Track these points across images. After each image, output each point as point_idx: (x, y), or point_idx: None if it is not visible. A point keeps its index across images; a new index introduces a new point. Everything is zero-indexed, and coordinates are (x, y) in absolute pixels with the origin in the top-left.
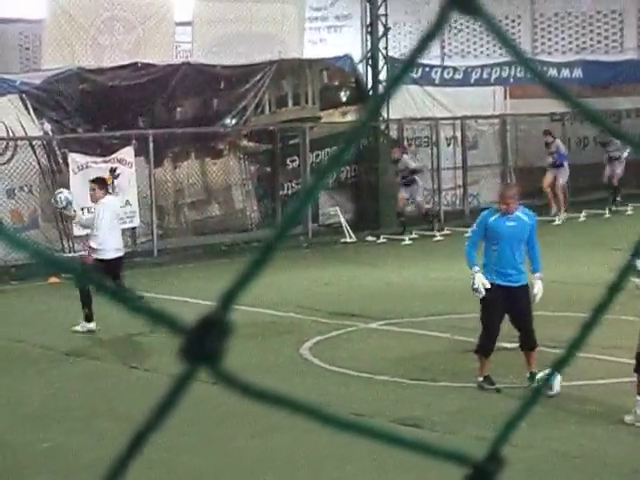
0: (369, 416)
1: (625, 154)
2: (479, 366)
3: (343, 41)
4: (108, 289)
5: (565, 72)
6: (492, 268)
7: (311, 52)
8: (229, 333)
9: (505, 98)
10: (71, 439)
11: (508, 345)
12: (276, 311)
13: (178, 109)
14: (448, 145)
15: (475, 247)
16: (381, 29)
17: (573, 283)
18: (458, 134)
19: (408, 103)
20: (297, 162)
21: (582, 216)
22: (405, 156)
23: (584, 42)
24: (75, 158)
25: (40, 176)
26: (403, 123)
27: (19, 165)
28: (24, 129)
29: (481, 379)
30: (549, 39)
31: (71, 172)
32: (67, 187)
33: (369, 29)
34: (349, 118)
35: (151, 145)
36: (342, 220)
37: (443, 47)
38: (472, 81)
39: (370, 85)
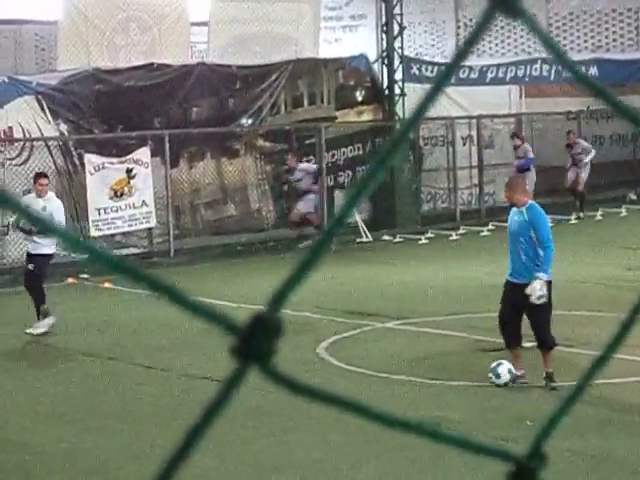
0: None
1: (590, 157)
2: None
3: (358, 41)
4: (165, 288)
5: (581, 70)
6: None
7: (326, 52)
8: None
9: (521, 97)
10: (88, 439)
11: (528, 344)
12: (292, 310)
13: (194, 109)
14: (464, 144)
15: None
16: (396, 28)
17: (587, 282)
18: (474, 133)
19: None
20: (313, 162)
21: (599, 215)
22: (302, 165)
23: (599, 40)
24: (91, 159)
25: (56, 177)
26: (419, 122)
27: (35, 166)
28: (40, 130)
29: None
30: (564, 38)
31: (87, 173)
32: (84, 188)
33: (384, 28)
34: (365, 118)
35: (167, 145)
36: (358, 220)
37: (459, 46)
38: (488, 80)
39: (385, 84)
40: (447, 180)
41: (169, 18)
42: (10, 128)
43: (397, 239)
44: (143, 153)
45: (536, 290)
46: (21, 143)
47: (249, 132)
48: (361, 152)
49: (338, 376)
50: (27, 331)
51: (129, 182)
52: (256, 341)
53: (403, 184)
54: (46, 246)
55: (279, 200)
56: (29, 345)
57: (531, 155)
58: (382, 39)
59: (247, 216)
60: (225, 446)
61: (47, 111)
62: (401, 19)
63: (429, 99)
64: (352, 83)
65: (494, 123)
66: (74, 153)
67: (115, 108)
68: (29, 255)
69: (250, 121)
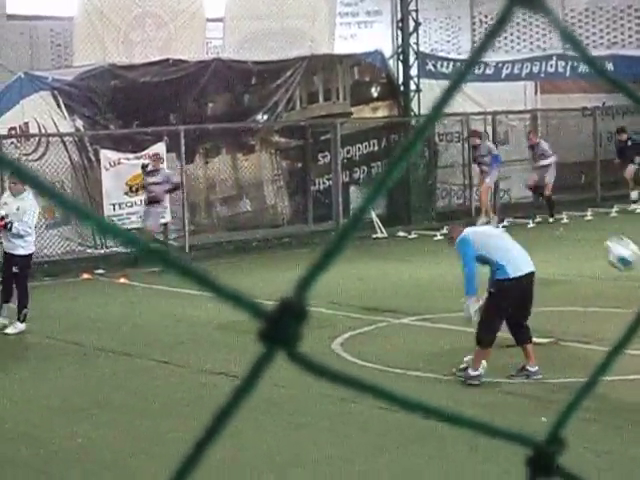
0: (399, 410)
1: (549, 161)
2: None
3: (374, 37)
4: (196, 272)
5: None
6: None
7: (342, 48)
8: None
9: (536, 93)
10: (103, 434)
11: (541, 340)
12: (307, 306)
13: (209, 105)
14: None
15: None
16: (412, 24)
17: (603, 278)
18: (489, 129)
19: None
20: (328, 157)
21: (614, 212)
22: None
23: (615, 37)
24: (107, 154)
25: (72, 172)
26: (436, 119)
27: (51, 161)
28: (56, 125)
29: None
30: (580, 34)
31: (103, 168)
32: (99, 183)
33: (400, 24)
34: (380, 114)
35: (182, 141)
36: (373, 216)
37: (474, 42)
38: (503, 76)
39: (401, 81)
40: (462, 176)
41: (185, 14)
42: (26, 124)
43: (412, 235)
44: (159, 149)
45: (465, 312)
46: (37, 139)
47: (264, 128)
48: (376, 148)
49: (353, 372)
50: (6, 331)
51: (144, 178)
52: (283, 326)
53: (418, 180)
54: (22, 247)
55: (294, 196)
56: (44, 340)
57: (495, 152)
58: (397, 35)
59: (262, 212)
60: (239, 439)
61: (63, 107)
62: (416, 15)
63: (448, 96)
64: (367, 79)
65: (509, 119)
66: (89, 149)
67: (131, 104)
68: (11, 255)
69: (265, 117)
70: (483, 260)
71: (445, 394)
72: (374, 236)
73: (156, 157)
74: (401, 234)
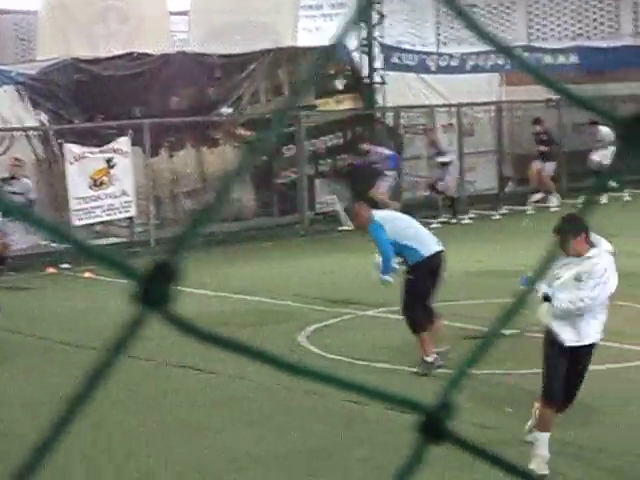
0: (366, 404)
1: (447, 159)
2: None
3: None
4: (68, 237)
5: (561, 58)
6: None
7: (306, 40)
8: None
9: (501, 85)
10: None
11: (505, 332)
12: (273, 299)
13: (174, 98)
14: (444, 132)
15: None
16: (376, 17)
17: None
18: (454, 121)
19: (404, 91)
20: (293, 150)
21: (579, 203)
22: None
23: (580, 28)
24: (71, 148)
25: (37, 167)
26: (399, 111)
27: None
28: (20, 120)
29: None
30: (544, 25)
31: (67, 162)
32: (64, 178)
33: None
34: (345, 106)
35: (147, 135)
36: (339, 208)
37: (439, 34)
38: (468, 68)
39: (366, 73)
40: (428, 168)
41: (149, 7)
42: None
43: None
44: (123, 142)
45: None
46: (1, 133)
47: (229, 121)
48: (341, 141)
49: (319, 364)
50: None
51: (109, 171)
52: (155, 287)
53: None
54: None
55: (259, 189)
56: (8, 335)
57: (387, 152)
58: (362, 28)
59: (227, 205)
60: (201, 434)
61: (27, 101)
62: (381, 8)
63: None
64: (332, 72)
65: (474, 111)
66: (54, 143)
67: (95, 98)
68: None
69: (230, 110)
70: (395, 247)
71: (411, 386)
72: (340, 228)
73: (16, 162)
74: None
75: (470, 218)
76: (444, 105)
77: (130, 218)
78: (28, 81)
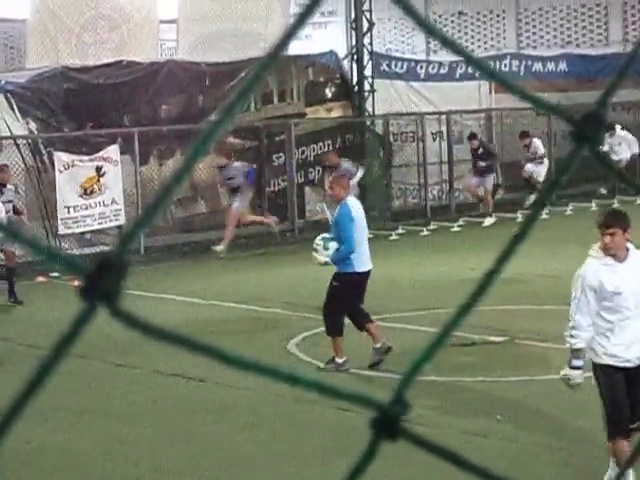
0: (355, 411)
1: (358, 175)
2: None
3: (329, 37)
4: (18, 235)
5: (550, 66)
6: None
7: (296, 48)
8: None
9: (490, 92)
10: (58, 437)
11: (496, 339)
12: (263, 307)
13: (163, 107)
14: (434, 140)
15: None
16: (366, 25)
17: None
18: (444, 129)
19: (393, 98)
20: (283, 158)
21: (569, 210)
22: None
23: (569, 36)
24: (61, 157)
25: (26, 175)
26: (388, 118)
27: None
28: (9, 128)
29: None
30: (534, 33)
31: (57, 171)
32: (54, 186)
33: (354, 25)
34: (334, 114)
35: (136, 143)
36: (328, 216)
37: (428, 42)
38: (457, 76)
39: (355, 81)
40: (417, 176)
41: (138, 16)
42: None
43: (368, 235)
44: (112, 151)
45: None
46: None
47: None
48: (331, 149)
49: (308, 372)
50: None
51: (98, 180)
52: (103, 281)
53: (373, 180)
54: None
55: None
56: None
57: (246, 167)
58: (352, 35)
59: (217, 213)
60: (191, 441)
61: (16, 109)
62: (370, 15)
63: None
64: (322, 80)
65: (464, 119)
66: (43, 151)
67: (84, 106)
68: None
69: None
70: (337, 241)
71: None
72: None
73: (2, 169)
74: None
75: (459, 226)
76: (434, 113)
77: (120, 226)
78: (17, 89)
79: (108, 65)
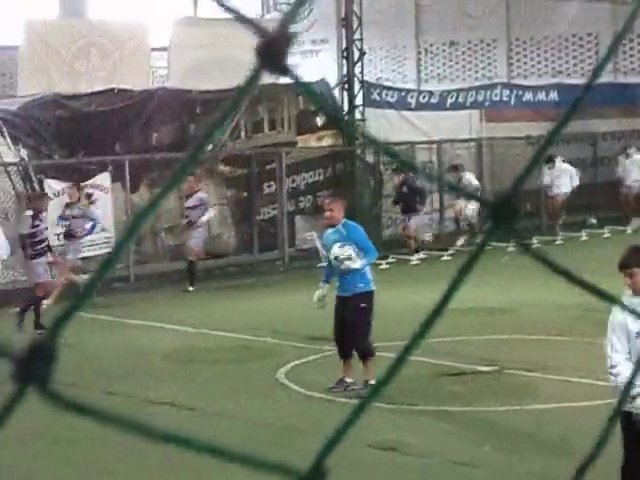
0: (344, 440)
1: (207, 216)
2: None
3: (320, 65)
4: None
5: (541, 95)
6: None
7: (287, 78)
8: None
9: (481, 121)
10: (43, 465)
11: (485, 369)
12: (252, 336)
13: (155, 134)
14: (424, 169)
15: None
16: (357, 54)
17: (547, 307)
18: (434, 158)
19: (384, 127)
20: (274, 187)
21: (559, 239)
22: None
23: (560, 65)
24: (51, 184)
25: (16, 202)
26: (379, 147)
27: None
28: (0, 155)
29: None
30: (525, 62)
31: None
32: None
33: (345, 54)
34: (325, 143)
35: (127, 171)
36: (318, 245)
37: (419, 71)
38: (448, 105)
39: (346, 110)
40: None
41: (130, 43)
42: None
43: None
44: (103, 178)
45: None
46: None
47: (209, 157)
48: (322, 177)
49: (298, 401)
50: None
51: (89, 207)
52: (35, 365)
53: (363, 209)
54: None
55: (240, 225)
56: None
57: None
58: (343, 64)
59: (208, 241)
60: (180, 470)
61: (7, 136)
62: (361, 44)
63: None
64: (313, 108)
65: (455, 148)
66: (34, 178)
67: (76, 133)
68: None
69: (210, 146)
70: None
71: (390, 423)
72: (319, 265)
73: (76, 187)
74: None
75: (450, 255)
76: (425, 142)
77: (109, 254)
78: (8, 117)
79: (100, 93)
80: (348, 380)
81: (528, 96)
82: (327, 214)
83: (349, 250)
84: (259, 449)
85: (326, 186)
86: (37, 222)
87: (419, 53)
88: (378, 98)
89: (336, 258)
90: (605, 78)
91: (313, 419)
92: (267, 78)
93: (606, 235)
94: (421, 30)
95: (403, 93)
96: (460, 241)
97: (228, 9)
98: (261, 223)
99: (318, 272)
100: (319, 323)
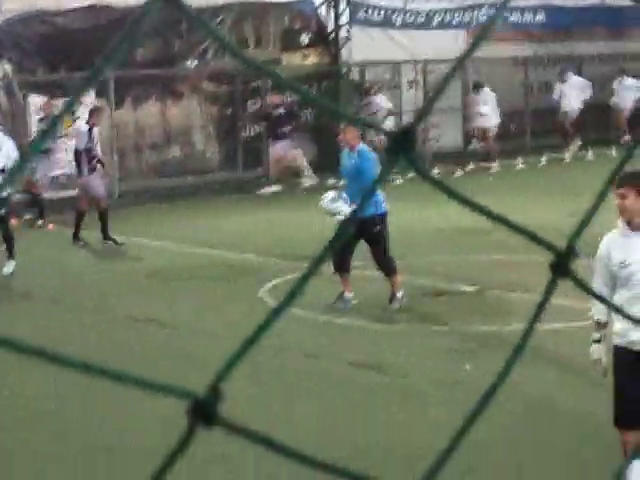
0: (324, 358)
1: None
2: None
3: None
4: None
5: (528, 16)
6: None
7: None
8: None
9: (467, 42)
10: (32, 384)
11: (466, 288)
12: (235, 253)
13: (139, 50)
14: (409, 88)
15: None
16: None
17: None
18: (420, 77)
19: (370, 46)
20: (258, 104)
21: (543, 160)
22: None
23: None
24: (35, 100)
25: (0, 118)
26: (365, 66)
27: None
28: None
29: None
30: None
31: (31, 114)
32: (28, 129)
33: None
34: (310, 61)
35: (112, 87)
36: (304, 163)
37: None
38: (434, 24)
39: (331, 28)
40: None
41: None
42: None
43: (341, 182)
44: (87, 94)
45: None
46: None
47: (194, 74)
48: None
49: (279, 319)
50: None
51: (73, 123)
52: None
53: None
54: None
55: (224, 142)
56: None
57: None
58: None
59: (191, 158)
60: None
61: None
62: None
63: None
64: (298, 27)
65: (440, 68)
66: (18, 94)
67: (59, 49)
68: None
69: (195, 63)
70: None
71: (371, 342)
72: (303, 183)
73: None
74: (331, 182)
75: (435, 174)
76: (410, 61)
77: None
78: None
79: (83, 8)
80: (347, 295)
81: (515, 17)
82: (343, 137)
83: (341, 206)
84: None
85: (310, 104)
86: (92, 137)
87: None
88: (364, 17)
89: (328, 212)
90: (593, 0)
91: (294, 336)
92: None
93: (589, 158)
94: None
95: (389, 12)
96: None
97: None
98: (246, 140)
99: (302, 190)
100: (302, 241)
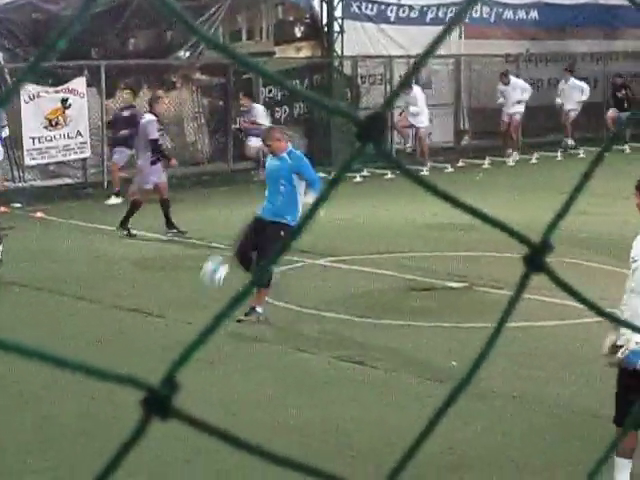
0: (312, 352)
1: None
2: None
3: None
4: None
5: (521, 14)
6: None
7: None
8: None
9: (460, 38)
10: (15, 368)
11: (454, 285)
12: (225, 245)
13: (131, 40)
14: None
15: None
16: None
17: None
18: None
19: (363, 40)
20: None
21: (534, 158)
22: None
23: None
24: (26, 87)
25: None
26: (357, 60)
27: None
28: None
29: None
30: None
31: (22, 102)
32: (19, 116)
33: None
34: (303, 54)
35: (103, 76)
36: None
37: None
38: (428, 20)
39: (325, 21)
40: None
41: None
42: None
43: (332, 177)
44: (79, 83)
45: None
46: None
47: (186, 65)
48: (298, 88)
49: (268, 312)
50: None
51: (64, 112)
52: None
53: (339, 122)
54: None
55: (215, 134)
56: None
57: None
58: None
59: (182, 149)
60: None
61: None
62: None
63: None
64: (291, 19)
65: (432, 63)
66: (10, 81)
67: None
68: None
69: (188, 54)
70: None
71: (357, 336)
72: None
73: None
74: (321, 175)
75: (427, 170)
76: (403, 56)
77: (84, 159)
78: None
79: None
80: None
81: (508, 14)
82: (270, 144)
83: (222, 272)
84: (226, 359)
85: (302, 98)
86: (160, 126)
87: None
88: (357, 11)
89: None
90: None
91: (282, 329)
92: None
93: (581, 156)
94: None
95: (383, 6)
96: None
97: None
98: (236, 132)
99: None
100: None
